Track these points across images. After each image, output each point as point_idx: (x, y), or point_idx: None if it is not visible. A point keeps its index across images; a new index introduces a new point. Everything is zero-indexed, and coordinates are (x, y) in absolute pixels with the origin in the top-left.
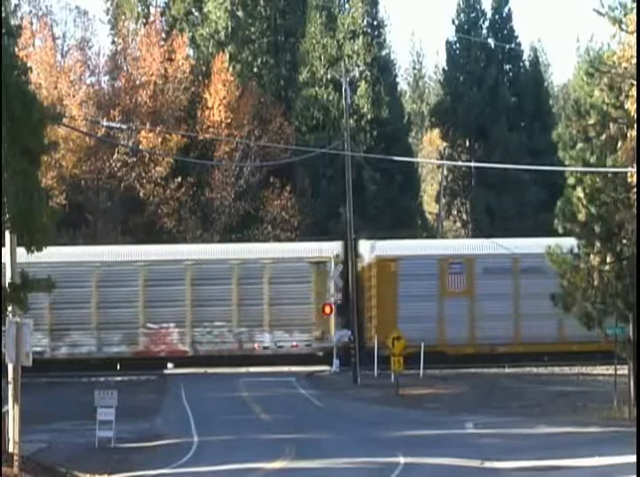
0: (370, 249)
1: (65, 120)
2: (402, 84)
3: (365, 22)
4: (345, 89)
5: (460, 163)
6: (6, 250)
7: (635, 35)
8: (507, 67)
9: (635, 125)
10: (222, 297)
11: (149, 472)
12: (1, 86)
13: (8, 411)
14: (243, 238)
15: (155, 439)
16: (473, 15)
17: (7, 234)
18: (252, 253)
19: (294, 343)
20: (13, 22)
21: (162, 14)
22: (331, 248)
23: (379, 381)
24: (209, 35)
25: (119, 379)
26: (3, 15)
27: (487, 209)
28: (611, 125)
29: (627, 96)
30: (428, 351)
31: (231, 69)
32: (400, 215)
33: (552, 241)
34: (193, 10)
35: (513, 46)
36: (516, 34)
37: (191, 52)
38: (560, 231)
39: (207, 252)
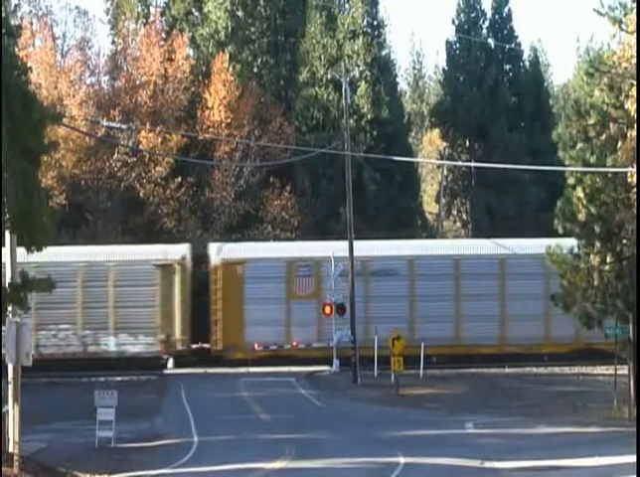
0: (216, 252)
1: (65, 120)
2: (402, 84)
3: (365, 22)
4: (345, 89)
5: (460, 163)
6: (6, 250)
7: (635, 35)
8: (507, 67)
9: (635, 125)
10: (66, 300)
11: (149, 472)
12: (1, 86)
13: (8, 411)
14: (244, 237)
15: (155, 439)
16: (473, 15)
17: (7, 234)
18: (98, 256)
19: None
20: (13, 22)
21: (162, 14)
22: (177, 252)
23: (379, 381)
24: (209, 35)
25: (119, 379)
26: (3, 15)
27: (487, 209)
28: (611, 125)
29: (627, 96)
30: (278, 355)
31: (231, 69)
32: (400, 215)
33: (552, 241)
34: (193, 10)
35: (513, 46)
36: (516, 34)
37: (191, 52)
38: (560, 231)
39: (51, 254)
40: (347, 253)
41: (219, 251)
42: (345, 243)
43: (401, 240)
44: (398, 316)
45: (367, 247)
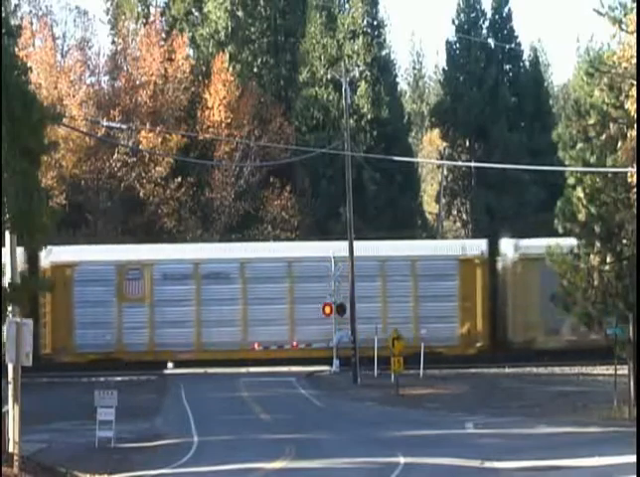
0: (45, 255)
1: (65, 120)
2: (402, 84)
3: (365, 22)
4: (345, 89)
5: (460, 163)
6: (6, 250)
7: (635, 35)
8: (507, 67)
9: (635, 125)
10: None
11: (149, 472)
12: (1, 86)
13: (8, 411)
14: (244, 238)
15: (155, 439)
16: (473, 15)
17: (7, 234)
18: None
19: None
20: (13, 22)
21: (162, 14)
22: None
23: (379, 381)
24: (209, 35)
25: (119, 379)
26: (3, 15)
27: (487, 209)
28: (611, 125)
29: (627, 96)
30: (105, 358)
31: (231, 69)
32: (400, 215)
33: (552, 241)
34: (193, 10)
35: (513, 46)
36: (516, 34)
37: (191, 52)
38: (560, 231)
39: None
40: (179, 256)
41: (47, 254)
42: (166, 246)
43: (236, 243)
44: (231, 319)
45: (199, 249)
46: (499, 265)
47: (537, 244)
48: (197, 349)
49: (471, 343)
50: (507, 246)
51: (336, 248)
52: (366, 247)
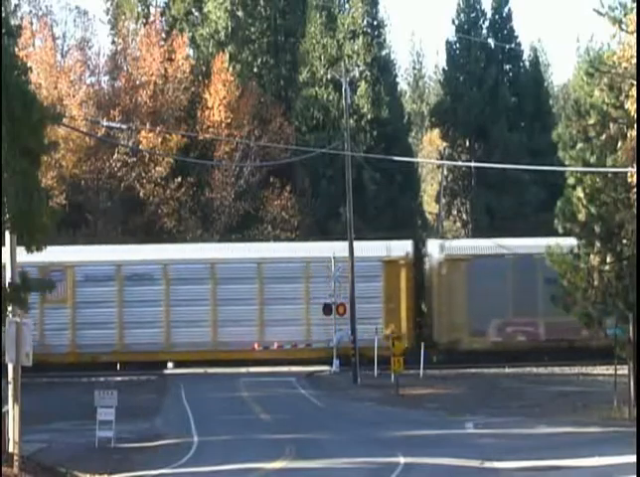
0: None
1: (65, 120)
2: (402, 84)
3: (365, 22)
4: (345, 89)
5: (460, 163)
6: (6, 250)
7: (635, 35)
8: (507, 67)
9: (635, 125)
10: None
11: (149, 472)
12: (1, 86)
13: (8, 411)
14: (244, 238)
15: (155, 439)
16: (473, 15)
17: (7, 234)
18: None
19: None
20: (13, 22)
21: (162, 14)
22: None
23: (379, 381)
24: (209, 35)
25: (119, 379)
26: (3, 15)
27: (487, 209)
28: (611, 125)
29: (627, 96)
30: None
31: (231, 69)
32: (400, 215)
33: (552, 241)
34: (193, 10)
35: (513, 46)
36: (516, 34)
37: (191, 52)
38: (560, 231)
39: None
40: (102, 258)
41: None
42: (89, 247)
43: (158, 245)
44: (153, 321)
45: (121, 251)
46: (426, 266)
47: (463, 245)
48: (119, 350)
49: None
50: (433, 247)
51: (257, 249)
52: (291, 249)
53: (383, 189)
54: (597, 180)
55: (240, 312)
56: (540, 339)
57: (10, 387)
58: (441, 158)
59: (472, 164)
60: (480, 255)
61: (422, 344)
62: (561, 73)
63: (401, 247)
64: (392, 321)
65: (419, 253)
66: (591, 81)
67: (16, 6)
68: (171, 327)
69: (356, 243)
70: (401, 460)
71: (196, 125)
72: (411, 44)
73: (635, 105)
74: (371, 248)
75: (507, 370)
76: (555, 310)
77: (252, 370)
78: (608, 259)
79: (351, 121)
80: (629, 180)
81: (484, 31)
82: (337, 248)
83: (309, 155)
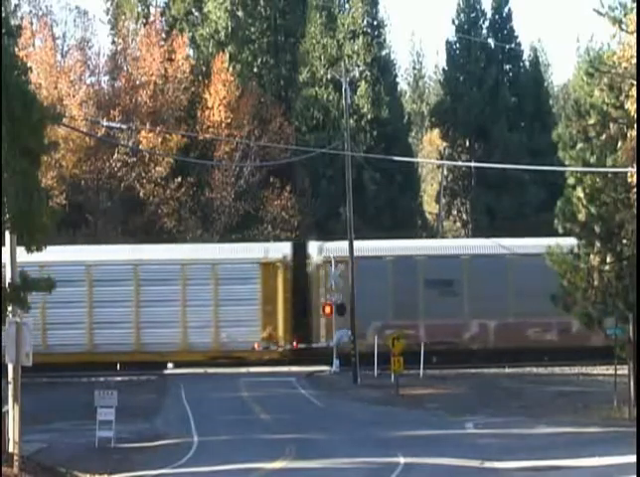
0: None
1: (65, 120)
2: (402, 84)
3: (365, 22)
4: (345, 89)
5: (460, 163)
6: (6, 250)
7: (635, 35)
8: (507, 67)
9: (635, 125)
10: None
11: (149, 472)
12: (1, 86)
13: (8, 411)
14: (244, 238)
15: (155, 439)
16: (473, 15)
17: (7, 234)
18: None
19: None
20: (13, 22)
21: (162, 14)
22: None
23: (379, 381)
24: (209, 35)
25: (119, 379)
26: (3, 15)
27: (487, 209)
28: (611, 125)
29: (627, 96)
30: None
31: (231, 69)
32: (400, 215)
33: (552, 241)
34: (193, 10)
35: (513, 46)
36: (516, 34)
37: (191, 52)
38: (560, 231)
39: None
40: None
41: None
42: None
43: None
44: (77, 322)
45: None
46: (306, 268)
47: (342, 247)
48: (44, 351)
49: (272, 347)
50: (313, 249)
51: (136, 250)
52: (168, 250)
53: (383, 189)
54: (597, 180)
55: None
56: (420, 342)
57: (10, 387)
58: (441, 158)
59: (472, 164)
60: (359, 257)
61: (422, 344)
62: (561, 73)
63: (280, 250)
64: (269, 323)
65: (304, 255)
66: (591, 81)
67: (16, 6)
68: (94, 328)
69: (233, 245)
70: (401, 460)
71: (196, 125)
72: (411, 44)
73: (635, 105)
74: (248, 250)
75: (507, 370)
76: (435, 313)
77: (252, 370)
78: (608, 259)
79: (351, 121)
80: (629, 180)
81: (484, 31)
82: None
83: (309, 155)
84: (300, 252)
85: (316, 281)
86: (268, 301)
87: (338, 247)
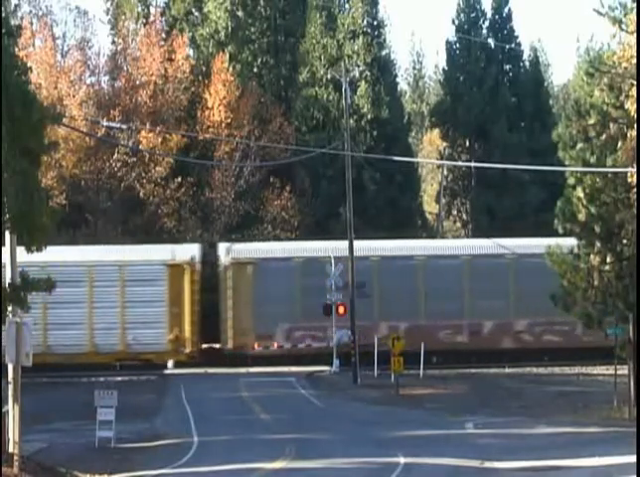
0: None
1: (65, 120)
2: (402, 84)
3: (365, 22)
4: (345, 89)
5: (460, 163)
6: (6, 250)
7: (635, 35)
8: (507, 67)
9: (635, 125)
10: None
11: (149, 472)
12: (1, 86)
13: (8, 411)
14: (244, 238)
15: (155, 439)
16: (473, 15)
17: (7, 234)
18: None
19: None
20: (13, 22)
21: (162, 14)
22: None
23: (379, 381)
24: (209, 35)
25: (119, 379)
26: (3, 15)
27: (487, 209)
28: (611, 125)
29: (627, 96)
30: None
31: (231, 69)
32: (400, 215)
33: (552, 241)
34: (193, 10)
35: (513, 46)
36: (516, 34)
37: (191, 52)
38: (560, 231)
39: None
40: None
41: None
42: None
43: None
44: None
45: None
46: (215, 270)
47: (250, 248)
48: None
49: (179, 349)
50: (222, 251)
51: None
52: (76, 251)
53: (383, 189)
54: (597, 180)
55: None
56: (329, 343)
57: (10, 387)
58: (441, 158)
59: (472, 164)
60: (267, 259)
61: (422, 344)
62: (561, 73)
63: (187, 251)
64: (175, 325)
65: (214, 257)
66: (591, 81)
67: (16, 6)
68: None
69: (141, 247)
70: (401, 460)
71: (196, 125)
72: (411, 44)
73: (635, 105)
74: (156, 252)
75: (507, 370)
76: None
77: (252, 370)
78: (608, 259)
79: (351, 121)
80: (629, 180)
81: (484, 31)
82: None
83: (309, 155)
84: (211, 254)
85: (224, 283)
86: (175, 303)
87: (246, 249)
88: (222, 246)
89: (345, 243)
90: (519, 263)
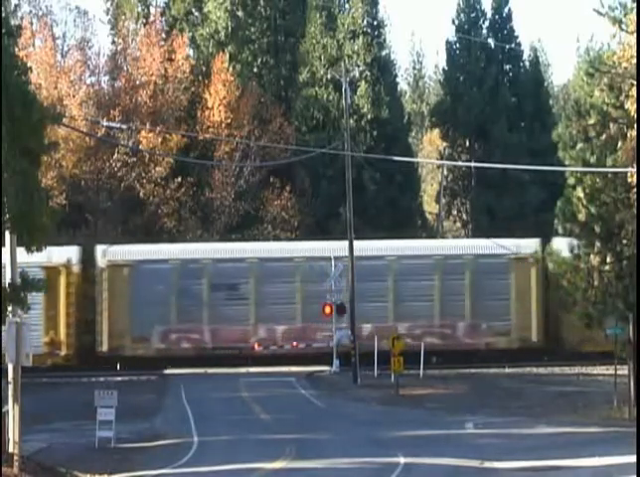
0: None
1: (65, 120)
2: (402, 84)
3: (365, 22)
4: (345, 89)
5: (460, 163)
6: (6, 250)
7: (635, 35)
8: (507, 67)
9: (635, 125)
10: None
11: (149, 472)
12: (1, 86)
13: (8, 411)
14: (244, 238)
15: (155, 439)
16: (473, 15)
17: (7, 234)
18: None
19: None
20: (13, 22)
21: (162, 14)
22: None
23: (379, 381)
24: (209, 35)
25: (119, 379)
26: (3, 15)
27: (487, 209)
28: (611, 125)
29: (627, 96)
30: None
31: (231, 69)
32: (400, 215)
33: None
34: (193, 10)
35: (513, 46)
36: (516, 34)
37: (191, 52)
38: (561, 231)
39: None
40: None
41: None
42: None
43: None
44: None
45: None
46: (94, 273)
47: (126, 250)
48: None
49: (55, 352)
50: (99, 253)
51: None
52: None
53: (383, 189)
54: (597, 180)
55: None
56: (206, 346)
57: (10, 387)
58: (441, 158)
59: (472, 164)
60: (144, 261)
61: (422, 344)
62: (561, 73)
63: (64, 254)
64: (51, 328)
65: (92, 259)
66: (591, 81)
67: (16, 6)
68: None
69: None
70: (401, 460)
71: (196, 125)
72: (411, 44)
73: (635, 105)
74: (32, 254)
75: (507, 370)
76: (220, 317)
77: (252, 370)
78: (608, 259)
79: (351, 121)
80: (629, 180)
81: (484, 31)
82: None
83: (309, 155)
84: (90, 256)
85: (100, 285)
86: (51, 306)
87: (124, 251)
88: (99, 249)
89: (218, 245)
90: (398, 265)
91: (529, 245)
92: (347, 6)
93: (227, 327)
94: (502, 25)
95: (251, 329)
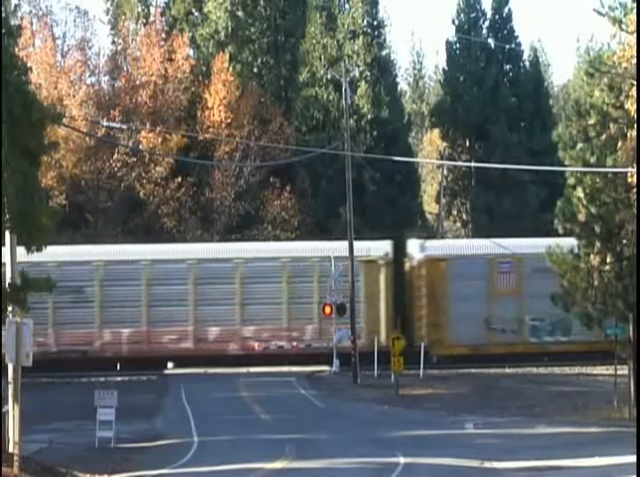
0: None
1: (65, 120)
2: (402, 84)
3: (365, 22)
4: (345, 89)
5: (460, 163)
6: (6, 250)
7: (635, 35)
8: (507, 67)
9: (635, 125)
10: None
11: (149, 472)
12: (1, 86)
13: (8, 411)
14: (243, 238)
15: (155, 439)
16: (473, 15)
17: (7, 234)
18: None
19: None
20: (13, 22)
21: (162, 14)
22: None
23: (379, 381)
24: (209, 35)
25: (119, 379)
26: (3, 15)
27: (487, 209)
28: (611, 125)
29: (627, 96)
30: None
31: (231, 69)
32: (400, 215)
33: (552, 241)
34: (193, 10)
35: (513, 46)
36: (516, 34)
37: (191, 52)
38: (561, 231)
39: None
40: None
41: None
42: None
43: None
44: None
45: None
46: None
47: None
48: None
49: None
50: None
51: None
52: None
53: (383, 189)
54: (597, 180)
55: None
56: (51, 350)
57: (10, 387)
58: (441, 158)
59: (472, 164)
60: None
61: (422, 344)
62: (561, 73)
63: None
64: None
65: None
66: (591, 82)
67: (16, 6)
68: None
69: None
70: (401, 460)
71: (196, 125)
72: (411, 44)
73: (635, 105)
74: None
75: (507, 370)
76: (65, 320)
77: (253, 370)
78: (608, 259)
79: (351, 121)
80: (629, 180)
81: (484, 31)
82: None
83: (309, 155)
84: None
85: None
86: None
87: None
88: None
89: (62, 249)
90: (245, 268)
91: (379, 248)
92: (347, 6)
93: (70, 331)
94: (502, 25)
95: (96, 332)
